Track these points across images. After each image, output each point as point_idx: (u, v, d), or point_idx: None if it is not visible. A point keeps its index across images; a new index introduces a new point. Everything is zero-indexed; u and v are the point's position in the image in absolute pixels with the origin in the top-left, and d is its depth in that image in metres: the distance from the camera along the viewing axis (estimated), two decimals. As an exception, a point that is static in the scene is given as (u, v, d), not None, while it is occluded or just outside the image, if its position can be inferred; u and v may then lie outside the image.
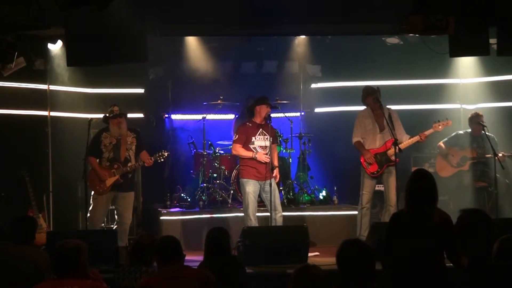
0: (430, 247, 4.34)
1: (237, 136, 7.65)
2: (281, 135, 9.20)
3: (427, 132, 7.67)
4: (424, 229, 4.36)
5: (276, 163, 7.73)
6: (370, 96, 7.79)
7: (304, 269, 3.50)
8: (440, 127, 7.70)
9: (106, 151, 7.56)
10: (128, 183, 7.68)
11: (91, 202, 7.44)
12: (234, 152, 7.86)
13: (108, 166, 7.53)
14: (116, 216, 7.99)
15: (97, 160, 7.51)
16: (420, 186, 4.43)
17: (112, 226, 8.24)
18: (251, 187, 7.48)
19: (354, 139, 7.84)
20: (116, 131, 7.58)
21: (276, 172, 7.65)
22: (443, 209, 4.56)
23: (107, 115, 7.59)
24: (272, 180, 7.51)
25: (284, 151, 9.29)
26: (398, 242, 4.40)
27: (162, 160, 7.73)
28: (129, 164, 7.57)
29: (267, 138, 7.57)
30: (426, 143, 8.12)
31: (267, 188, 7.49)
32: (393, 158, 7.59)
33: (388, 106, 7.87)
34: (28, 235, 5.03)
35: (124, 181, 7.57)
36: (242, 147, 7.55)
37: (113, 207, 7.93)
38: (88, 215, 7.49)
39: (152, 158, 7.65)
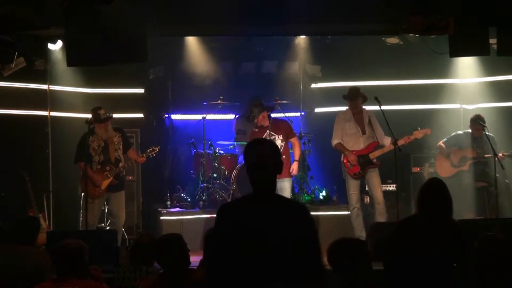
0: (440, 255, 4.24)
1: None
2: None
3: (405, 140, 7.64)
4: (437, 236, 4.27)
5: (296, 156, 7.84)
6: (361, 96, 7.80)
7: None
8: (420, 134, 7.72)
9: (96, 155, 7.53)
10: (120, 182, 7.68)
11: (85, 206, 7.28)
12: None
13: (100, 169, 7.51)
14: (108, 217, 7.96)
15: (88, 165, 7.35)
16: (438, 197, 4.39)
17: (104, 226, 8.17)
18: None
19: (335, 141, 7.84)
20: (104, 134, 7.55)
21: (293, 166, 7.76)
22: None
23: (93, 119, 7.47)
24: (283, 180, 7.66)
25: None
26: (408, 247, 4.29)
27: (154, 155, 7.71)
28: (120, 165, 7.56)
29: (275, 138, 7.65)
30: (426, 143, 8.11)
31: (278, 186, 7.65)
32: (374, 161, 7.70)
33: (367, 109, 7.87)
34: (31, 236, 5.04)
35: (118, 181, 7.58)
36: None
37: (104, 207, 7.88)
38: (82, 218, 7.47)
39: (144, 155, 7.65)
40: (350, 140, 7.80)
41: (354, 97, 7.82)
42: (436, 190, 4.41)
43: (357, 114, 7.81)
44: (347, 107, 7.93)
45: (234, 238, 3.01)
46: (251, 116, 7.79)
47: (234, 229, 3.04)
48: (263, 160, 3.11)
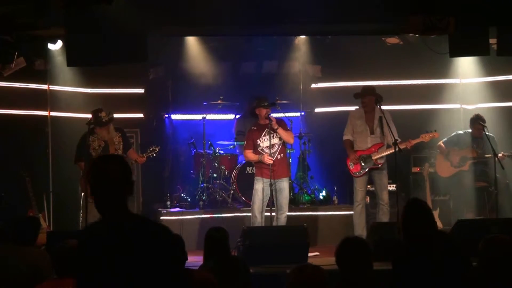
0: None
1: (245, 142, 7.90)
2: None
3: (406, 145, 7.60)
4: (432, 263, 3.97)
5: (283, 132, 7.63)
6: (371, 95, 7.77)
7: (298, 270, 3.45)
8: (427, 137, 7.72)
9: (96, 154, 7.48)
10: None
11: (85, 206, 7.22)
12: (245, 159, 8.22)
13: None
14: None
15: (88, 164, 7.31)
16: (412, 214, 4.10)
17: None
18: (259, 185, 7.64)
19: (345, 137, 7.90)
20: (105, 136, 7.52)
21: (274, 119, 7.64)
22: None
23: (93, 121, 7.42)
24: (282, 180, 7.64)
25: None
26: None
27: (154, 155, 7.70)
28: None
29: (273, 136, 7.64)
30: (426, 143, 8.11)
31: (277, 186, 7.63)
32: (377, 162, 7.69)
33: (382, 107, 7.85)
34: (31, 236, 5.04)
35: None
36: (252, 151, 7.74)
37: None
38: (82, 219, 7.46)
39: (144, 155, 7.63)
40: (359, 138, 7.82)
41: (362, 95, 7.83)
42: (419, 218, 4.10)
43: (368, 113, 7.81)
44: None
45: (89, 258, 2.79)
46: (262, 105, 7.65)
47: (88, 251, 2.82)
48: (109, 177, 2.84)
